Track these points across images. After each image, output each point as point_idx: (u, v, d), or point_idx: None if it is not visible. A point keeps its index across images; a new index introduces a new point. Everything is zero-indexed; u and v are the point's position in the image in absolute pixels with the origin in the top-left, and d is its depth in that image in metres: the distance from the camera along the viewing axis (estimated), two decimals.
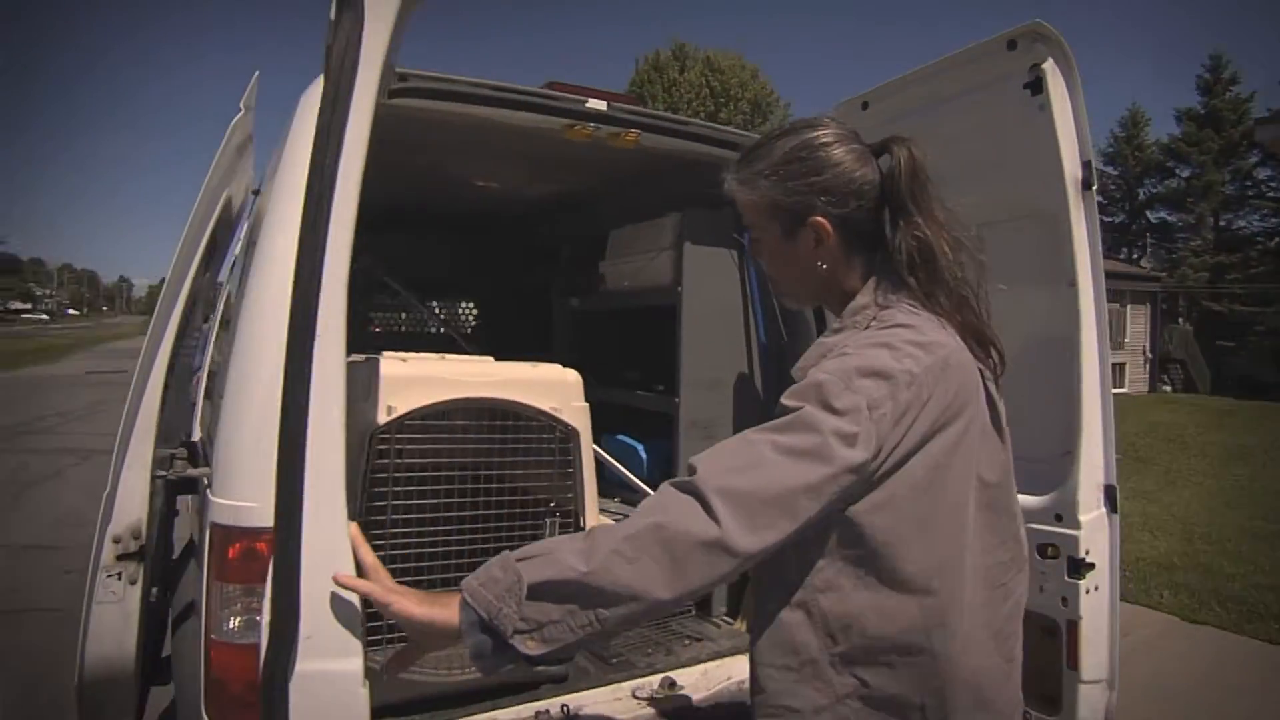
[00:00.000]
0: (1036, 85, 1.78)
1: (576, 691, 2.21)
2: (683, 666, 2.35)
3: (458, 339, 3.69)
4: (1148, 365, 22.34)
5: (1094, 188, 1.80)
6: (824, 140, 1.16)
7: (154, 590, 1.88)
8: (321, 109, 1.02)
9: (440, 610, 1.02)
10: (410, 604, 1.06)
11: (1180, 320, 25.38)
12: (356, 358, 2.02)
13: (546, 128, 2.26)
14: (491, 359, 2.38)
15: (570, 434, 2.14)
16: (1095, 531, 1.84)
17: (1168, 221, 32.26)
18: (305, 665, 1.07)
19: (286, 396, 1.01)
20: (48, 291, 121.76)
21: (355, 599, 1.11)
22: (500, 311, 4.28)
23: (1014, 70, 1.81)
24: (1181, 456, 9.84)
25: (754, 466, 0.98)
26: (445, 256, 4.07)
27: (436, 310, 4.32)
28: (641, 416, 2.92)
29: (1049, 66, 1.76)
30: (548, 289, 3.67)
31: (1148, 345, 22.33)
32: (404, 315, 4.19)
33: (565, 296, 3.46)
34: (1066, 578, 1.83)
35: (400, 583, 1.94)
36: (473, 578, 1.02)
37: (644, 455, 2.89)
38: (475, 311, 4.40)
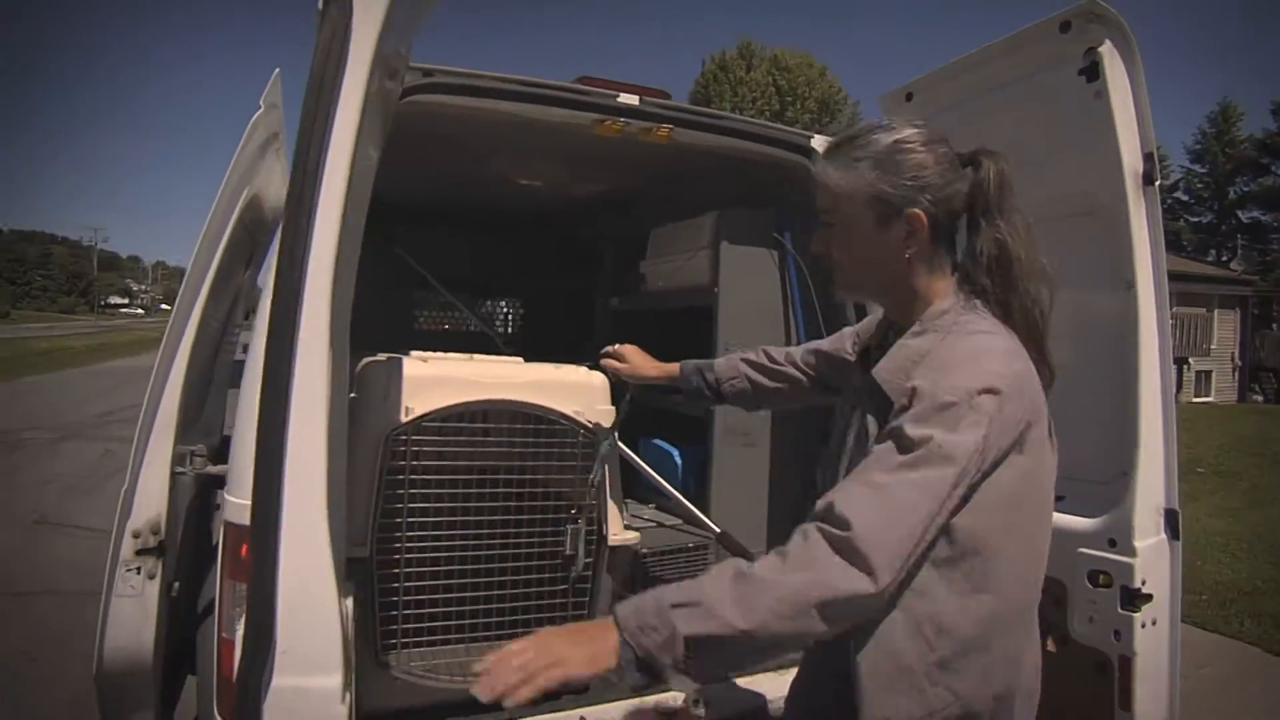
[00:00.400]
0: (1092, 70, 1.63)
1: (597, 704, 2.15)
2: (716, 680, 2.26)
3: (494, 338, 3.67)
4: (1237, 373, 21.08)
5: (1156, 182, 1.65)
6: (926, 140, 1.20)
7: (175, 585, 1.90)
8: (305, 102, 0.98)
9: (601, 659, 1.01)
10: (573, 667, 1.01)
11: (1274, 326, 23.89)
12: (378, 358, 2.00)
13: (576, 123, 2.21)
14: (520, 360, 2.34)
15: (594, 438, 2.08)
16: (1153, 559, 1.69)
17: (1261, 221, 30.47)
18: (281, 681, 1.03)
19: (264, 400, 0.98)
20: (143, 287, 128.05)
21: (335, 610, 1.07)
22: (545, 311, 4.26)
23: (1067, 55, 1.67)
24: (1271, 472, 9.18)
25: (903, 512, 1.02)
26: (490, 255, 4.07)
27: (479, 309, 4.32)
28: (678, 421, 2.84)
29: (1106, 50, 1.61)
30: (591, 289, 3.62)
31: (1237, 352, 21.07)
32: (448, 314, 4.19)
33: (607, 296, 3.40)
34: (1120, 609, 1.68)
35: (418, 588, 1.93)
36: (630, 619, 1.02)
37: (679, 461, 2.81)
38: (520, 311, 4.38)
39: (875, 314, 1.69)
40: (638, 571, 2.40)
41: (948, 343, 1.12)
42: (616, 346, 2.04)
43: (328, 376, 0.98)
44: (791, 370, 1.79)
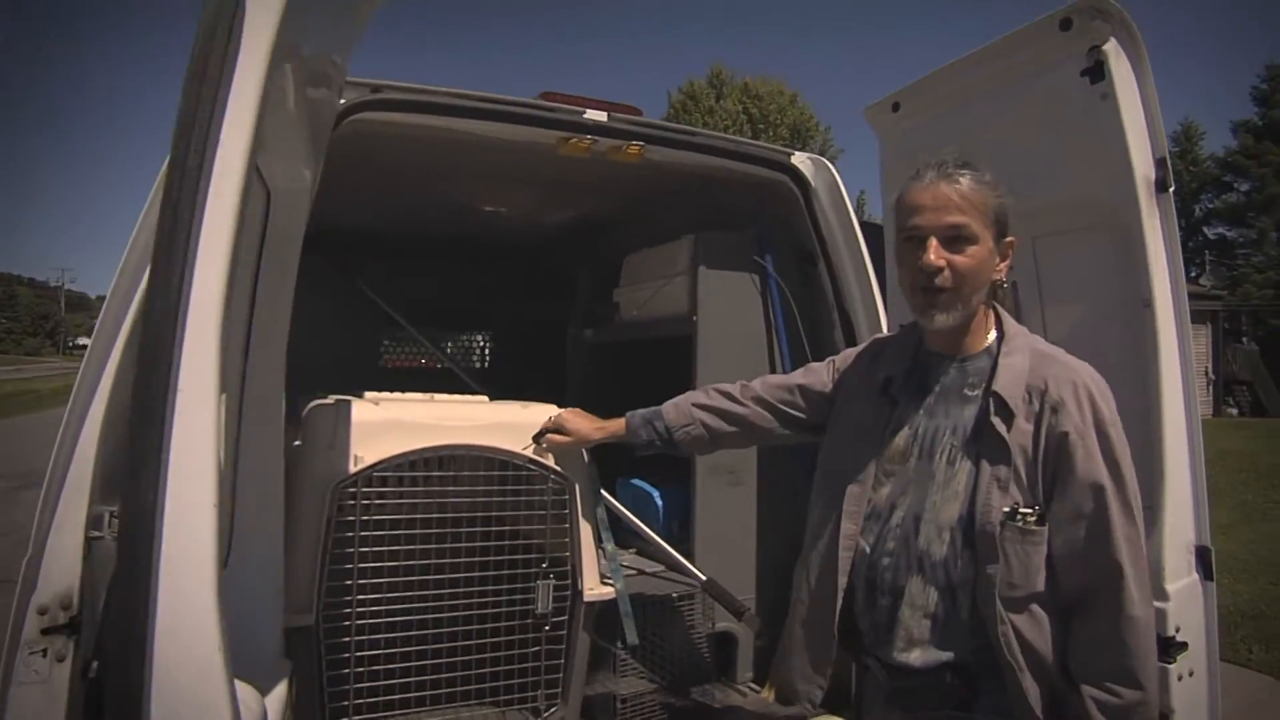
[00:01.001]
0: (1097, 71, 1.50)
1: None
2: None
3: (461, 375, 3.48)
4: (1211, 388, 21.26)
5: (1171, 189, 1.51)
6: None
7: (94, 664, 1.67)
8: (183, 96, 0.80)
9: None
10: None
11: (1244, 340, 24.17)
12: (325, 401, 1.81)
13: (540, 142, 2.05)
14: (486, 399, 2.15)
15: (565, 484, 1.89)
16: (1186, 603, 1.53)
17: (1226, 237, 31.07)
18: None
19: (127, 468, 0.79)
20: None
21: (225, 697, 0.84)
22: (520, 345, 4.07)
23: (1069, 54, 1.54)
24: (1257, 487, 9.10)
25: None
26: (461, 288, 3.89)
27: (454, 344, 4.13)
28: (657, 460, 2.66)
29: (1111, 48, 1.48)
30: (565, 320, 3.45)
31: (1210, 367, 21.27)
32: (418, 350, 3.98)
33: (581, 328, 3.23)
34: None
35: (372, 657, 1.73)
36: None
37: (660, 502, 2.62)
38: (494, 346, 4.19)
39: (854, 347, 1.61)
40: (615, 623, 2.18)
41: (1061, 363, 1.26)
42: (553, 417, 1.87)
43: (215, 431, 0.79)
44: (754, 410, 1.65)
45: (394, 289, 3.63)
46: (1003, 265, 1.30)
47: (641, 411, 1.77)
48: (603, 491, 2.53)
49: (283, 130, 1.13)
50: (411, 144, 2.01)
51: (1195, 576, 1.55)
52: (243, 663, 1.24)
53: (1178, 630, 1.51)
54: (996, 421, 1.23)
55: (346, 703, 1.70)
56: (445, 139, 2.00)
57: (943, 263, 1.23)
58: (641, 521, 2.66)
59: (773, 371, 2.49)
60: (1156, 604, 1.51)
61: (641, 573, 2.43)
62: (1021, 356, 1.27)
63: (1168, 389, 1.51)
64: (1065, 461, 1.20)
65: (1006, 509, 1.20)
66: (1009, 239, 1.30)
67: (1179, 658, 1.51)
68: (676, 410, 1.72)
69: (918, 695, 1.31)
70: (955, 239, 1.24)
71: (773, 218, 2.46)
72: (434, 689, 1.78)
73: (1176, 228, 1.53)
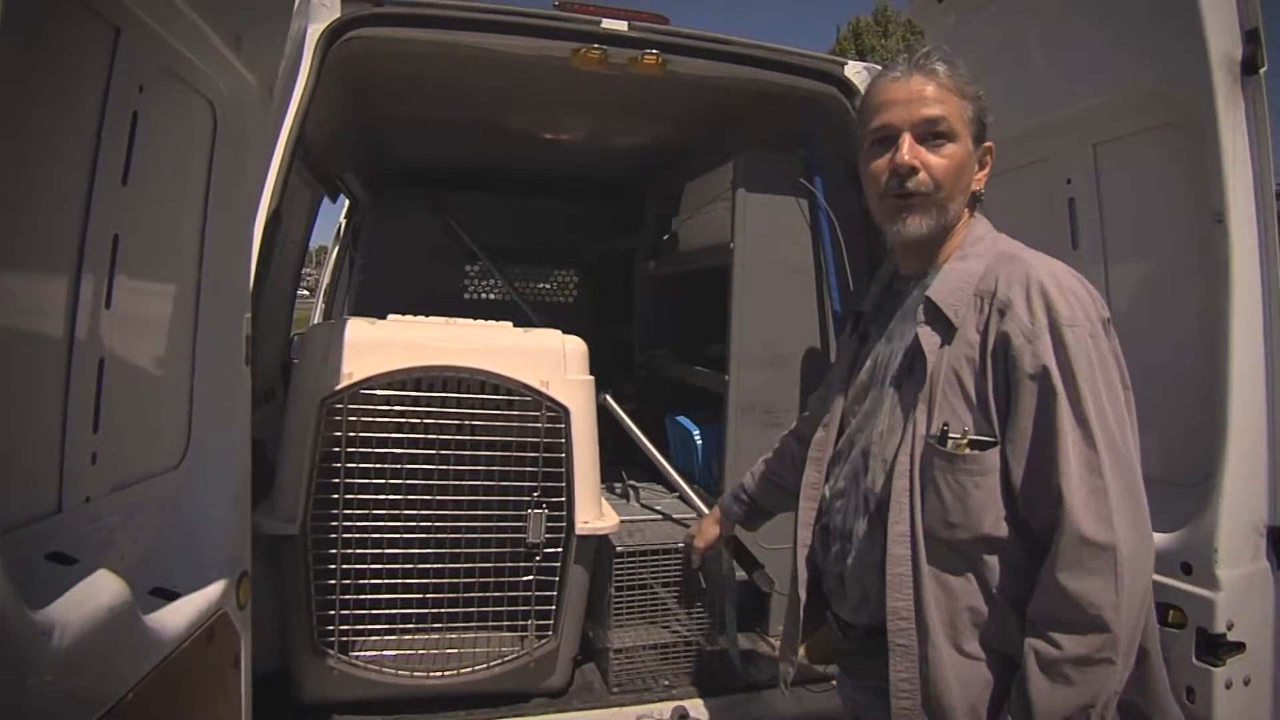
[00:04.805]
0: None
1: (569, 711, 1.92)
2: (706, 696, 1.97)
3: (521, 305, 3.48)
4: None
5: (1263, 70, 1.17)
6: None
7: None
8: None
9: None
10: None
11: None
12: (324, 324, 1.84)
13: (552, 55, 1.94)
14: (509, 324, 2.10)
15: (560, 412, 1.82)
16: (1246, 595, 1.24)
17: None
18: None
19: None
20: None
21: None
22: (600, 279, 4.02)
23: None
24: None
25: None
26: (544, 223, 3.88)
27: (534, 280, 4.14)
28: (698, 394, 2.53)
29: None
30: (634, 253, 3.36)
31: None
32: (490, 283, 4.02)
33: (646, 260, 3.12)
34: (1195, 660, 1.24)
35: (359, 571, 1.76)
36: None
37: (699, 440, 2.50)
38: (575, 280, 4.15)
39: None
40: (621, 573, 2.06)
41: (1020, 260, 1.05)
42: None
43: None
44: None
45: (487, 225, 3.69)
46: (982, 175, 1.16)
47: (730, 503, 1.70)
48: (635, 429, 2.45)
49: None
50: (425, 62, 1.97)
51: (1265, 564, 1.25)
52: (178, 559, 1.30)
53: (1230, 627, 1.23)
54: (924, 332, 1.07)
55: (333, 613, 1.75)
56: (459, 55, 1.93)
57: (917, 162, 1.10)
58: (682, 460, 2.55)
59: (821, 313, 2.27)
60: (1202, 591, 1.25)
61: (668, 518, 2.32)
62: (977, 261, 1.10)
63: (1240, 327, 1.20)
64: (1013, 371, 1.00)
65: (936, 433, 1.02)
66: (987, 144, 1.15)
67: (1229, 660, 1.23)
68: (761, 492, 1.65)
69: (858, 658, 1.18)
70: (932, 136, 1.10)
71: (823, 136, 2.21)
72: (420, 608, 1.79)
73: (1267, 119, 1.18)
